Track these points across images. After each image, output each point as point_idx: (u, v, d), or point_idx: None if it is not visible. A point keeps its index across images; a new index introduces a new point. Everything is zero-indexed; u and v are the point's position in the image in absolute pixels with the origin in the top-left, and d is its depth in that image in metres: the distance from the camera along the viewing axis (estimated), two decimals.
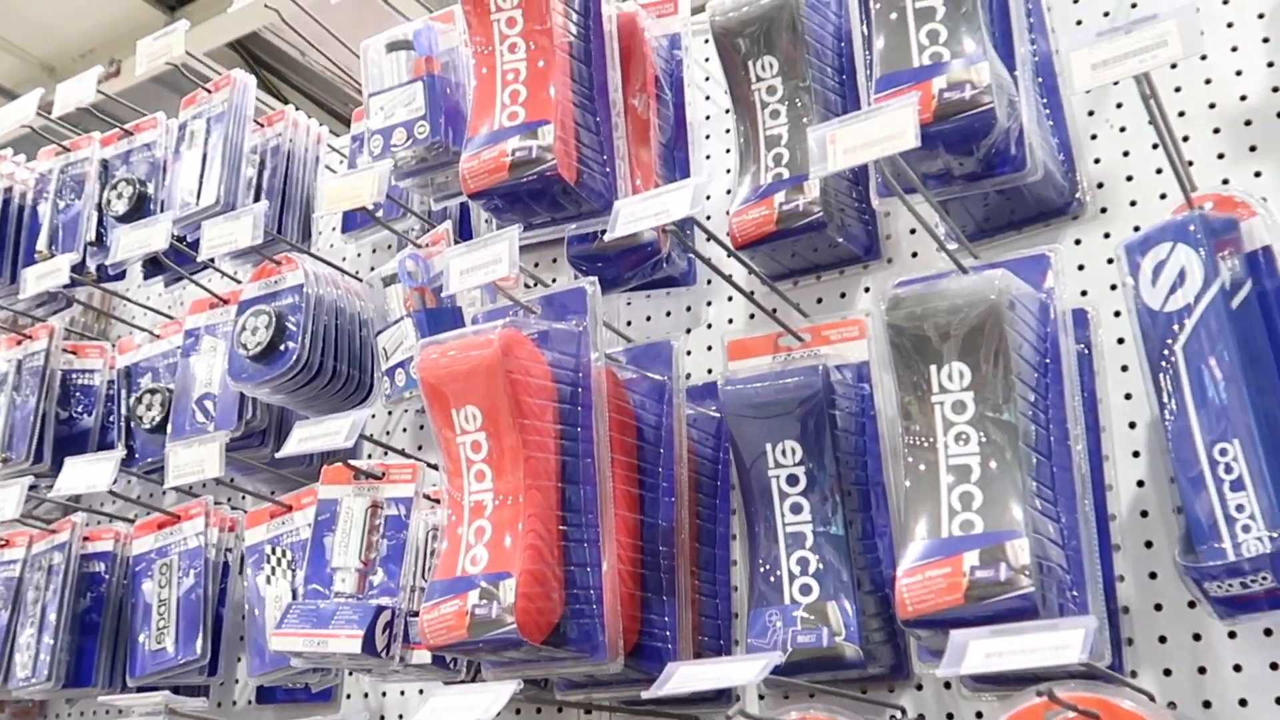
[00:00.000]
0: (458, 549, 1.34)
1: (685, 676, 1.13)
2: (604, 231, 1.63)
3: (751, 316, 1.72)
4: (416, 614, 1.47)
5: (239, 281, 1.93)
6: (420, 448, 1.86)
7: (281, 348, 1.64)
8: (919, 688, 1.42)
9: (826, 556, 1.37)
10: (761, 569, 1.39)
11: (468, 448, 1.37)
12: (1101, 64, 1.09)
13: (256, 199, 1.91)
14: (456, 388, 1.35)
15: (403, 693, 1.72)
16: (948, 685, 1.40)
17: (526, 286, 1.80)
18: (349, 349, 1.71)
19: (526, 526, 1.31)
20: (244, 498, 1.88)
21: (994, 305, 1.23)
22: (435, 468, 1.62)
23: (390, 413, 1.95)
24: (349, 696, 1.79)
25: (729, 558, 1.59)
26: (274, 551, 1.64)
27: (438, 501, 1.58)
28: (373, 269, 1.98)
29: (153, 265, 2.07)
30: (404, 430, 1.98)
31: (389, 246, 2.06)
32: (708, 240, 1.48)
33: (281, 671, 1.59)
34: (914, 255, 1.61)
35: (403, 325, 1.56)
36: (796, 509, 1.40)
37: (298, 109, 2.10)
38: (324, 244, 2.09)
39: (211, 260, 1.79)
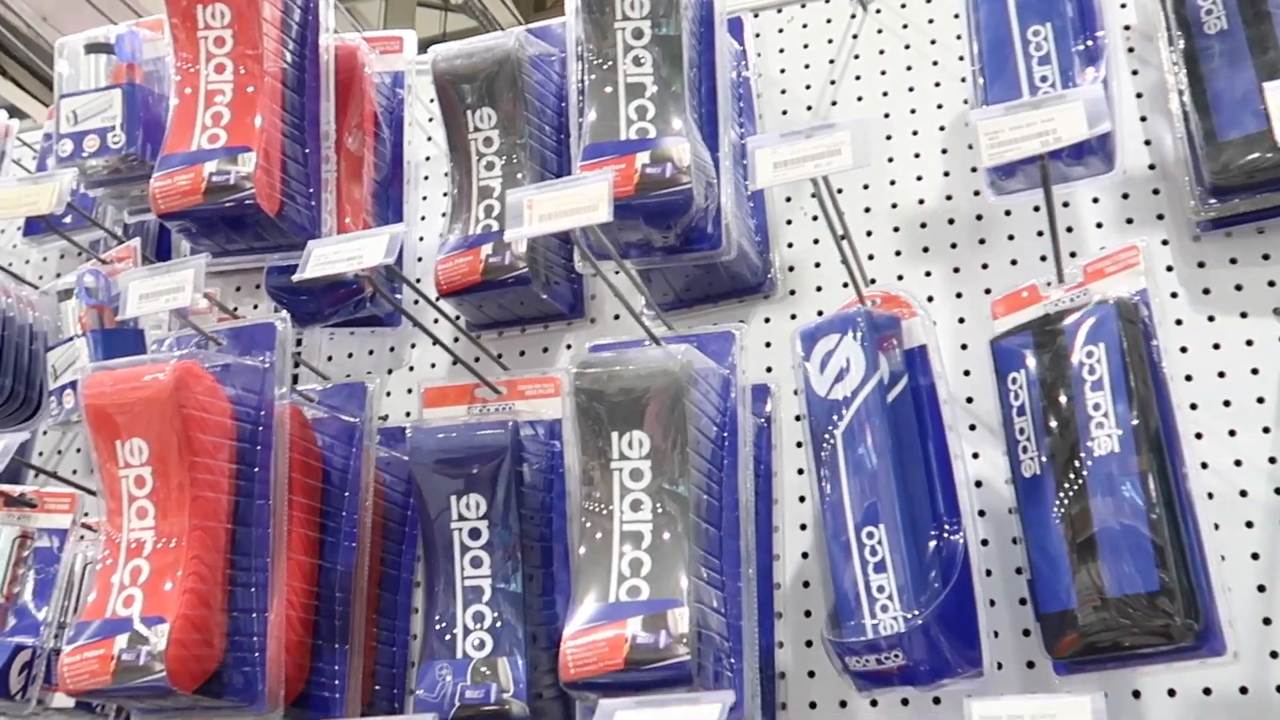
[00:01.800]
0: (109, 589, 1.26)
1: None
2: None
3: (455, 363, 1.71)
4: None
5: None
6: (92, 472, 1.74)
7: None
8: None
9: (503, 613, 1.38)
10: (437, 622, 1.38)
11: (130, 482, 1.29)
12: (783, 164, 1.15)
13: None
14: (123, 418, 1.28)
15: None
16: None
17: (232, 313, 1.72)
18: (15, 362, 1.58)
19: (188, 569, 1.25)
20: None
21: (675, 379, 1.27)
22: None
23: (58, 435, 1.83)
24: None
25: (410, 604, 1.57)
26: None
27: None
28: (59, 275, 1.86)
29: None
30: (77, 451, 1.85)
31: (79, 254, 1.93)
32: (417, 282, 1.46)
33: None
34: (616, 318, 1.65)
35: (76, 344, 1.46)
36: (477, 563, 1.40)
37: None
38: (4, 244, 1.94)
39: None
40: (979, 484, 1.37)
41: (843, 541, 1.21)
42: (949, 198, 1.56)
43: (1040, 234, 1.46)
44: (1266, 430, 1.30)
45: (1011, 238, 1.50)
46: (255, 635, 1.31)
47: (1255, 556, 1.26)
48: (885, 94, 1.63)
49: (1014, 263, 1.48)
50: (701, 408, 1.30)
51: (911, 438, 1.24)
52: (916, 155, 1.59)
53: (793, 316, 1.56)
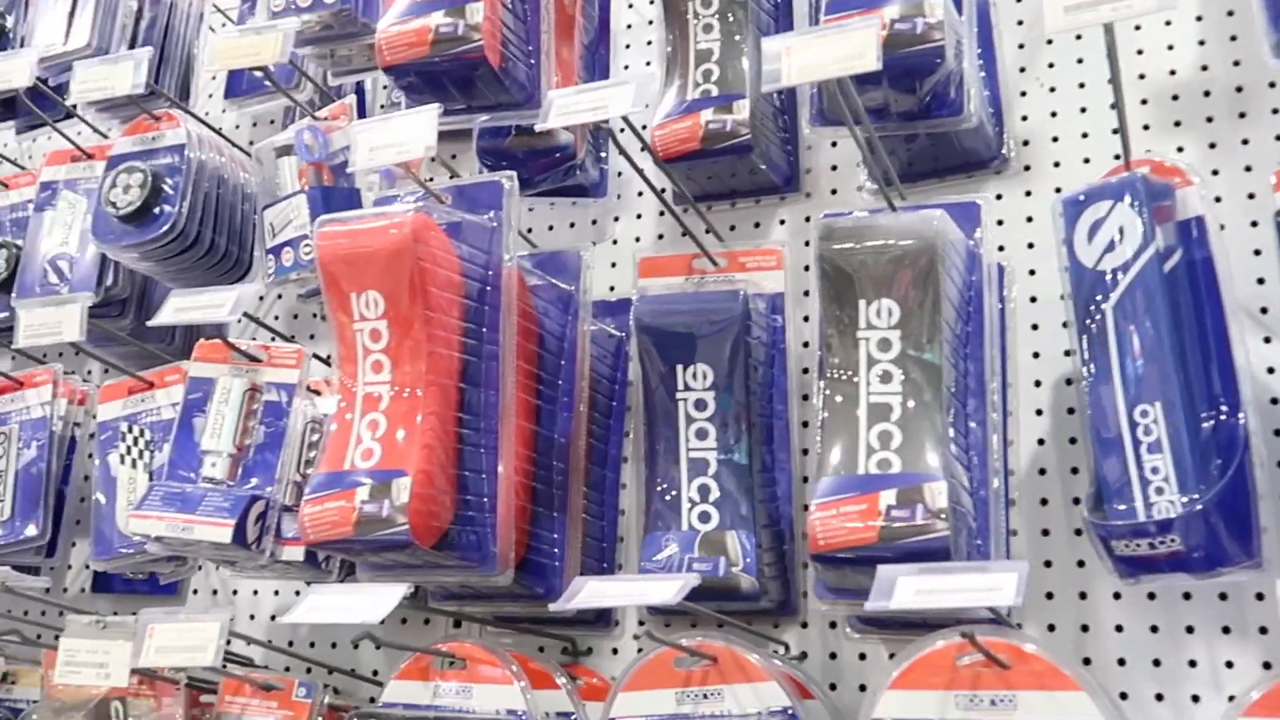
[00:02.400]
0: (347, 441, 1.25)
1: (595, 592, 1.08)
2: (519, 128, 1.56)
3: (660, 237, 1.66)
4: (290, 508, 1.38)
5: (105, 136, 1.77)
6: (293, 338, 1.74)
7: (156, 210, 1.50)
8: (804, 625, 1.41)
9: (728, 486, 1.34)
10: (660, 494, 1.35)
11: (365, 336, 1.27)
12: (1075, 7, 1.07)
13: (132, 49, 1.74)
14: (359, 270, 1.26)
15: (256, 592, 1.62)
16: (833, 625, 1.40)
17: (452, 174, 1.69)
18: (229, 221, 1.57)
19: (424, 424, 1.24)
20: (97, 371, 1.73)
21: (931, 245, 1.21)
22: (316, 358, 1.52)
23: (262, 297, 1.83)
24: (195, 592, 1.68)
25: (618, 480, 1.55)
26: (130, 430, 1.51)
27: (317, 393, 1.48)
28: (251, 143, 1.85)
29: (3, 108, 1.88)
30: (275, 318, 1.85)
31: (271, 121, 1.92)
32: (641, 149, 1.41)
33: (127, 559, 1.47)
34: (833, 192, 1.58)
35: (294, 201, 1.44)
36: (702, 435, 1.36)
37: None
38: (201, 110, 1.93)
39: (74, 108, 1.62)
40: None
41: (1111, 421, 1.14)
42: (1204, 68, 1.45)
43: None
44: None
45: (1276, 111, 1.39)
46: (485, 496, 1.29)
47: None
48: None
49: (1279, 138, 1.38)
50: (953, 278, 1.24)
51: (1188, 313, 1.16)
52: (1167, 23, 1.48)
53: (1028, 194, 1.47)
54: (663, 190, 1.67)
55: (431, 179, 1.67)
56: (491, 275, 1.34)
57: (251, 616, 1.62)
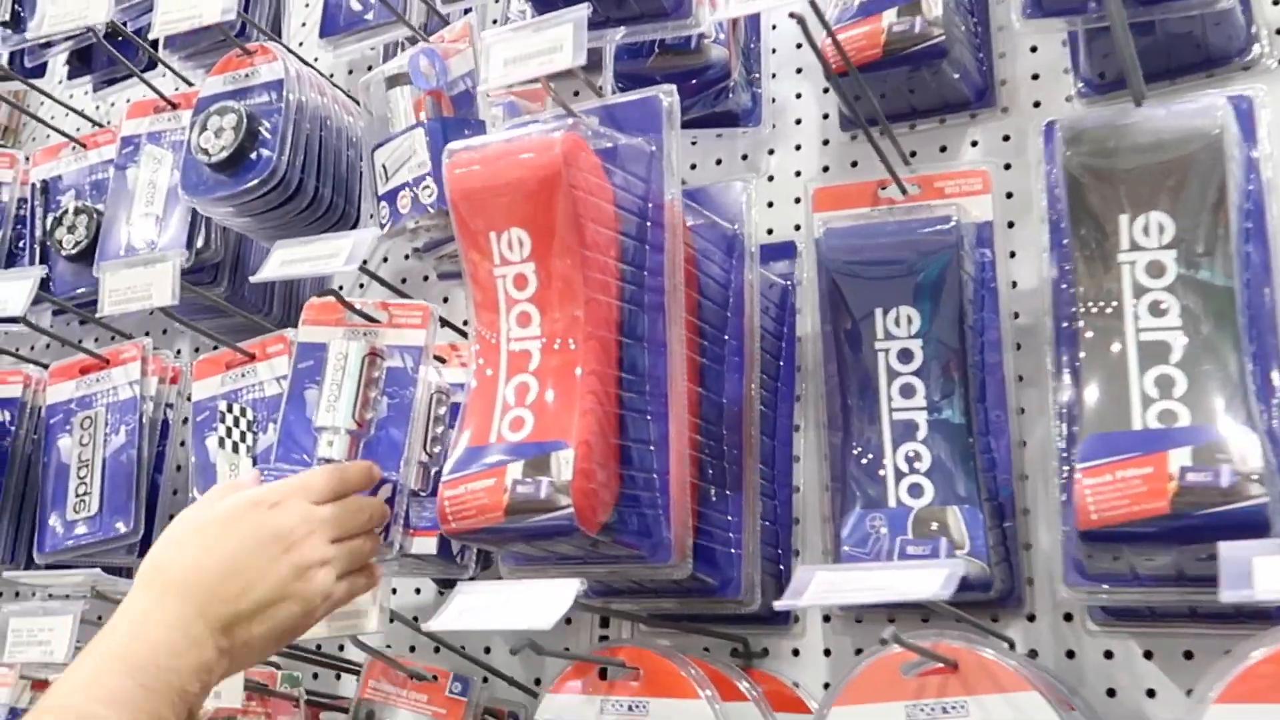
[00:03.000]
0: (490, 408, 1.04)
1: (830, 586, 0.85)
2: (662, 44, 1.34)
3: (825, 170, 1.43)
4: (417, 493, 1.17)
5: (190, 84, 1.58)
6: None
7: (253, 155, 1.30)
8: (1031, 618, 1.17)
9: (942, 452, 1.11)
10: (858, 464, 1.13)
11: (509, 282, 1.06)
12: None
13: None
14: (500, 204, 1.05)
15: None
16: (1068, 617, 1.16)
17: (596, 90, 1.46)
18: (334, 168, 1.37)
19: (584, 385, 1.02)
20: (186, 348, 1.54)
21: (1212, 143, 0.97)
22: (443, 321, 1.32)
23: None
24: None
25: (790, 453, 1.32)
26: (230, 409, 1.32)
27: (442, 360, 1.27)
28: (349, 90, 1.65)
29: (79, 62, 1.70)
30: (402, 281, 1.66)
31: (369, 68, 1.72)
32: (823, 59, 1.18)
33: None
34: (1035, 105, 1.34)
35: (411, 136, 1.23)
36: (907, 391, 1.13)
37: None
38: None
39: (156, 45, 1.43)
40: None
41: None
42: None
43: None
44: None
45: None
46: (654, 472, 1.07)
47: None
48: None
49: None
50: (1238, 184, 0.99)
51: None
52: None
53: None
54: (825, 116, 1.45)
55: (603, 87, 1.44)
56: (652, 209, 1.12)
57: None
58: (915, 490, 1.11)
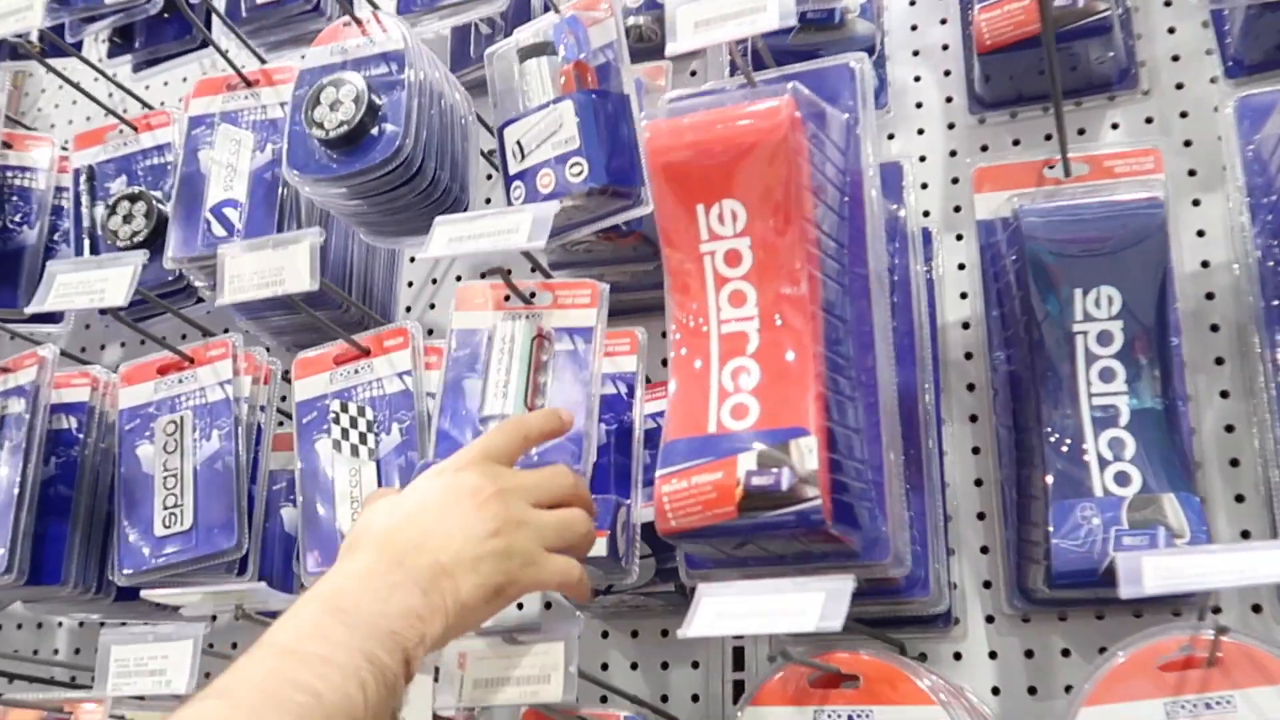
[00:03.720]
0: (705, 396, 0.96)
1: (1170, 571, 0.79)
2: (804, 19, 1.28)
3: (952, 154, 1.38)
4: None
5: (263, 61, 1.45)
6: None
7: (374, 131, 1.19)
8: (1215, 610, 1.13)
9: (1147, 436, 1.07)
10: (1061, 450, 1.07)
11: (719, 259, 0.98)
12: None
13: None
14: (713, 173, 0.97)
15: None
16: (1256, 609, 1.12)
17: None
18: (451, 150, 1.27)
19: (815, 368, 0.95)
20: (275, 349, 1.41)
21: None
22: None
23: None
24: None
25: (941, 446, 1.26)
26: (345, 409, 1.20)
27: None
28: None
29: (122, 39, 1.56)
30: (459, 277, 1.56)
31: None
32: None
33: None
34: (1178, 87, 1.31)
35: (558, 110, 1.14)
36: (1107, 375, 1.09)
37: None
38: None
39: (210, 21, 1.31)
40: None
41: None
42: None
43: None
44: None
45: None
46: (868, 463, 1.00)
47: None
48: None
49: None
50: None
51: None
52: None
53: None
54: (948, 99, 1.40)
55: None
56: (850, 184, 1.05)
57: None
58: (1122, 479, 1.06)
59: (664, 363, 1.06)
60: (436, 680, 0.94)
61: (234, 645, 1.43)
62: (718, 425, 0.95)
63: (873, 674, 0.99)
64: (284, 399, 1.40)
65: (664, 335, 1.03)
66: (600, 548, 1.03)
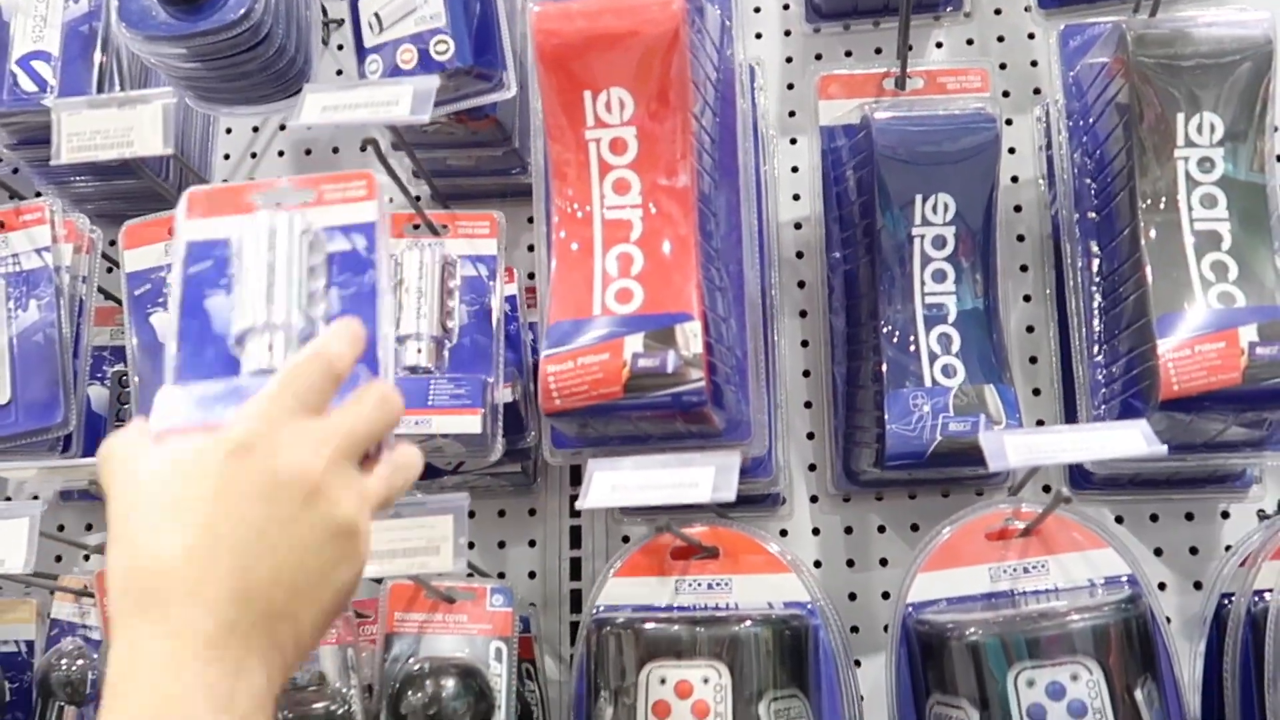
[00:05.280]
0: (589, 280, 0.99)
1: (1032, 448, 0.88)
2: None
3: (788, 60, 1.44)
4: (430, 370, 1.10)
5: None
6: None
7: None
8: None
9: (970, 333, 1.17)
10: (893, 341, 1.16)
11: (604, 147, 1.00)
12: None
13: None
14: (603, 60, 0.98)
15: None
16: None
17: None
18: (296, 17, 1.21)
19: (697, 257, 0.99)
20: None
21: (1261, 50, 1.07)
22: None
23: (256, 129, 1.48)
24: None
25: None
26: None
27: (445, 228, 1.18)
28: None
29: None
30: (280, 153, 1.50)
31: None
32: None
33: None
34: (997, 13, 1.41)
35: None
36: (939, 277, 1.18)
37: None
38: None
39: None
40: None
41: None
42: None
43: None
44: None
45: None
46: (736, 348, 1.06)
47: None
48: None
49: None
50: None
51: None
52: None
53: None
54: (785, 7, 1.46)
55: None
56: (723, 82, 1.09)
57: None
58: (948, 371, 1.16)
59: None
60: None
61: (60, 528, 1.37)
62: (602, 308, 0.98)
63: (730, 545, 1.06)
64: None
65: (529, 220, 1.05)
66: (474, 425, 1.04)
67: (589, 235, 1.00)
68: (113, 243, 1.24)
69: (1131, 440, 0.85)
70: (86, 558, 1.31)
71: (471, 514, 1.35)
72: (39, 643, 1.24)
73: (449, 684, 1.02)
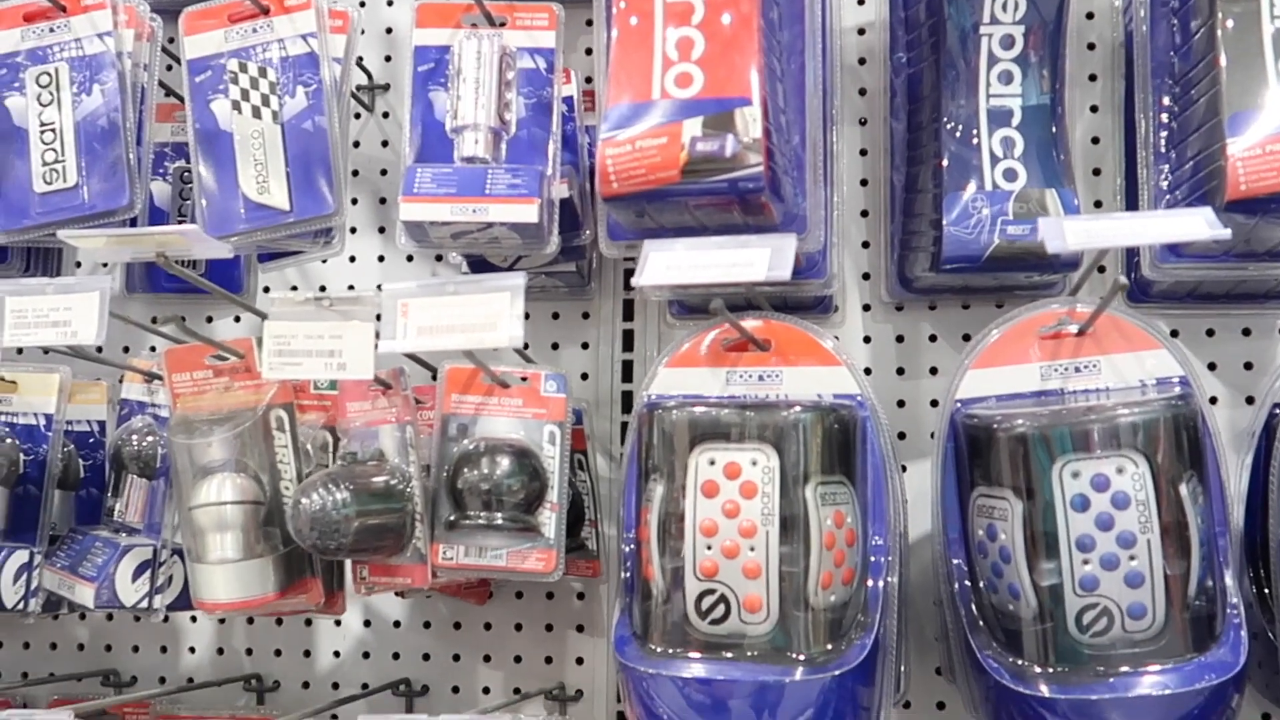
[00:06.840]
0: (649, 63, 0.98)
1: (1085, 231, 0.87)
2: None
3: None
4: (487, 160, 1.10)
5: None
6: None
7: None
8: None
9: (1034, 134, 1.15)
10: (956, 136, 1.15)
11: None
12: None
13: None
14: None
15: None
16: None
17: None
18: None
19: (759, 43, 0.97)
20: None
21: None
22: None
23: None
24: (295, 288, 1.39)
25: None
26: (245, 69, 1.15)
27: (502, 24, 1.16)
28: None
29: None
30: None
31: None
32: None
33: (247, 237, 1.14)
34: None
35: None
36: (1005, 78, 1.15)
37: None
38: None
39: None
40: None
41: None
42: None
43: None
44: None
45: None
46: (791, 143, 1.05)
47: None
48: None
49: None
50: None
51: None
52: None
53: None
54: None
55: None
56: None
57: None
58: (1009, 175, 1.14)
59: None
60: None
61: None
62: (661, 92, 0.97)
63: (782, 339, 1.06)
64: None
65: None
66: (530, 214, 1.05)
67: (649, 12, 0.99)
68: (171, 40, 1.25)
69: (1193, 225, 0.84)
70: (153, 348, 1.36)
71: (526, 316, 1.38)
72: (110, 423, 1.29)
73: (504, 462, 1.05)
